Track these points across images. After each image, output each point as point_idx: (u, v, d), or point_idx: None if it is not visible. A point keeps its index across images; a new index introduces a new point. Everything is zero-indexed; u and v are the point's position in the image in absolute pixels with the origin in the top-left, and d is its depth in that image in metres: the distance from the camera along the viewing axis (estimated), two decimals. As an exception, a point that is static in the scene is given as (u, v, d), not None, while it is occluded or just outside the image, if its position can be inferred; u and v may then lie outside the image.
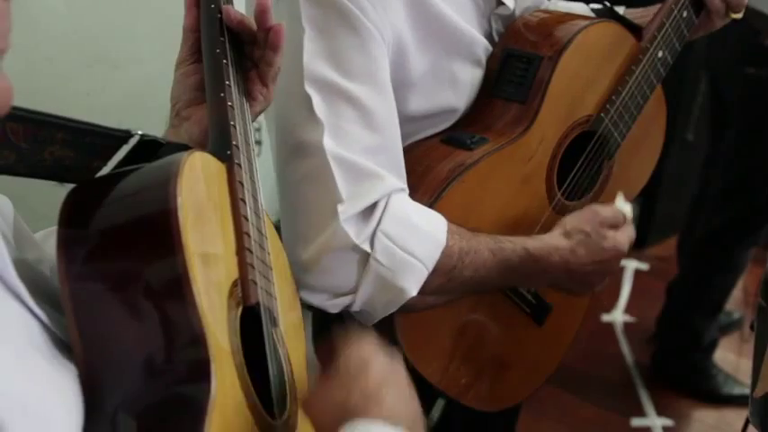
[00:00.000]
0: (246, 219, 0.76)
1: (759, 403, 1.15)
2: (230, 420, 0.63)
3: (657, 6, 1.29)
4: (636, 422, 2.38)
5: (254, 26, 0.89)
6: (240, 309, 0.72)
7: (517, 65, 1.17)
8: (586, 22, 1.21)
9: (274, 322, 0.78)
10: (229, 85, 0.84)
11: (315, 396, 0.74)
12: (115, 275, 0.64)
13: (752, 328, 1.23)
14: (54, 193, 0.72)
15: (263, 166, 0.87)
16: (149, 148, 0.80)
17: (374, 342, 0.75)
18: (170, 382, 0.61)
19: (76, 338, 0.62)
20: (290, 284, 0.93)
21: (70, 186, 0.70)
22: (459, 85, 1.17)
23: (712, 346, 2.56)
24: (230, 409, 0.63)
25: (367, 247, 1.01)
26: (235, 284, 0.72)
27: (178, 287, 0.63)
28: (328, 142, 1.00)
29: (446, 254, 1.05)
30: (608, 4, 1.28)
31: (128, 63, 1.75)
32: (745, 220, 2.39)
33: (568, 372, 2.46)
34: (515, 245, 1.12)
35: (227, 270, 0.72)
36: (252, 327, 0.74)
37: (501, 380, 1.28)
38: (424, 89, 1.12)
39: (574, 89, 1.20)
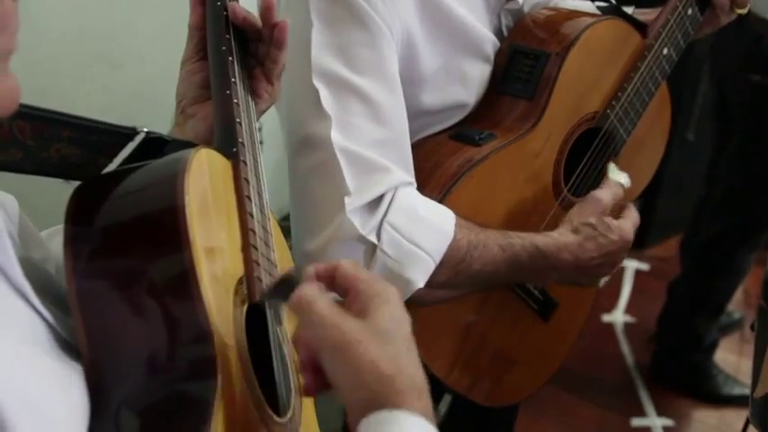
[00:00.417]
0: (252, 216, 0.76)
1: (759, 404, 1.16)
2: (235, 417, 0.62)
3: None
4: (636, 422, 2.38)
5: (259, 23, 0.89)
6: (246, 306, 0.72)
7: (524, 61, 1.18)
8: (593, 20, 1.22)
9: (279, 320, 0.78)
10: (235, 83, 0.84)
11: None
12: (122, 272, 0.64)
13: (752, 328, 1.24)
14: (58, 192, 0.72)
15: (265, 164, 0.87)
16: (155, 146, 0.80)
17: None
18: (176, 379, 0.61)
19: (83, 336, 0.62)
20: None
21: (76, 184, 0.70)
22: (468, 81, 1.18)
23: (713, 346, 2.56)
24: (235, 406, 0.63)
25: (373, 238, 1.01)
26: (240, 282, 0.72)
27: (185, 284, 0.63)
28: (336, 136, 1.00)
29: (454, 247, 1.05)
30: (614, 1, 1.29)
31: (129, 62, 1.75)
32: (747, 224, 2.39)
33: (569, 372, 2.46)
34: (524, 241, 1.12)
35: (232, 267, 0.72)
36: (257, 324, 0.74)
37: (507, 375, 1.29)
38: (434, 84, 1.13)
39: (580, 86, 1.21)
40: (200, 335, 0.61)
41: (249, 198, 0.77)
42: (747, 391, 1.50)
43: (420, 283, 1.04)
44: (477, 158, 1.11)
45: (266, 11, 0.88)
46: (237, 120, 0.82)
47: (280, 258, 0.83)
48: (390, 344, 0.64)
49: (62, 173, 0.75)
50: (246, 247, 0.74)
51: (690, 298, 2.53)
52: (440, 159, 1.13)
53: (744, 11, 1.32)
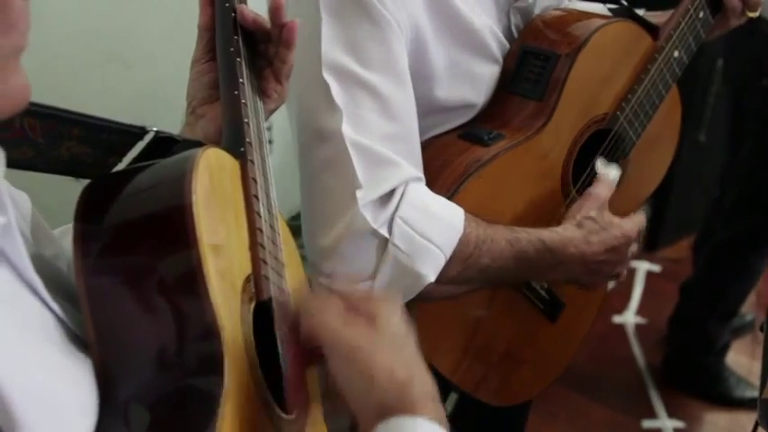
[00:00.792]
0: (259, 215, 0.77)
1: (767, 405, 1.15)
2: (242, 414, 0.63)
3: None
4: (647, 424, 2.38)
5: (268, 25, 0.90)
6: (253, 304, 0.73)
7: (534, 62, 1.19)
8: (604, 21, 1.22)
9: (286, 318, 0.78)
10: (243, 83, 0.85)
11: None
12: (130, 270, 0.65)
13: (761, 329, 1.23)
14: (69, 190, 0.73)
15: (274, 165, 0.87)
16: (164, 145, 0.81)
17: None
18: (184, 375, 0.61)
19: (91, 331, 0.63)
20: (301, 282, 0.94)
21: (86, 182, 0.71)
22: (476, 81, 1.18)
23: (725, 348, 2.55)
24: (242, 402, 0.64)
25: (385, 232, 1.02)
26: (248, 280, 0.73)
27: (192, 282, 0.63)
28: (347, 129, 1.01)
29: (463, 241, 1.06)
30: (625, 3, 1.29)
31: (140, 62, 1.77)
32: (761, 229, 2.39)
33: (579, 373, 2.46)
34: (531, 236, 1.12)
35: (240, 265, 0.73)
36: (264, 322, 0.75)
37: (513, 375, 1.29)
38: (443, 82, 1.13)
39: (590, 87, 1.21)
40: (208, 332, 0.62)
41: (257, 197, 0.78)
42: (759, 394, 1.49)
43: (431, 277, 1.05)
44: (485, 158, 1.12)
45: (275, 11, 0.88)
46: (245, 120, 0.82)
47: (288, 257, 0.84)
48: (403, 350, 0.66)
49: (73, 171, 0.76)
50: (254, 245, 0.75)
51: (702, 300, 2.52)
52: (448, 158, 1.14)
53: (755, 14, 1.32)
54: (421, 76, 1.09)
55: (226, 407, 0.59)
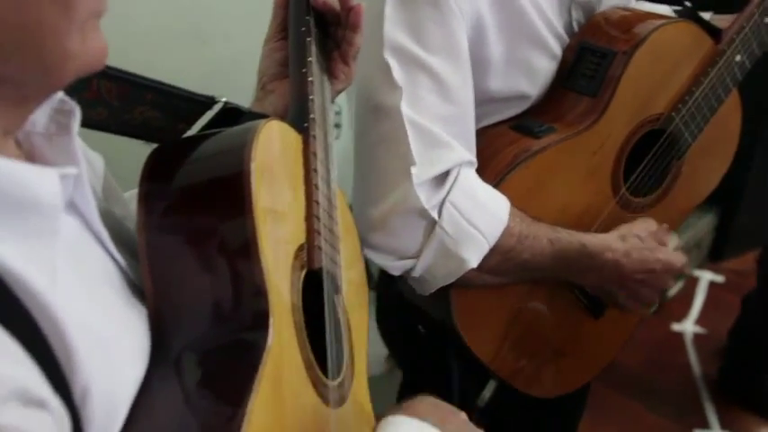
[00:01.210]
0: (317, 188, 0.80)
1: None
2: (283, 370, 0.66)
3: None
4: (698, 434, 2.36)
5: (337, 7, 0.92)
6: (304, 272, 0.76)
7: (591, 59, 1.19)
8: (663, 21, 1.21)
9: (336, 289, 0.81)
10: (311, 62, 0.88)
11: None
12: (189, 229, 0.69)
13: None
14: (141, 156, 0.76)
15: (340, 149, 0.90)
16: (231, 116, 0.84)
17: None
18: (231, 328, 0.65)
19: (149, 284, 0.67)
20: (358, 262, 0.97)
21: (155, 146, 0.75)
22: (533, 74, 1.19)
23: (783, 365, 2.50)
24: (285, 359, 0.67)
25: (435, 214, 1.04)
26: (301, 248, 0.76)
27: (245, 245, 0.66)
28: (405, 107, 1.03)
29: (506, 234, 1.08)
30: (689, 4, 1.28)
31: (217, 39, 1.81)
32: None
33: (634, 378, 2.45)
34: (572, 237, 1.14)
35: (294, 234, 0.76)
36: (316, 292, 0.78)
37: (552, 367, 1.30)
38: (500, 72, 1.15)
39: (646, 86, 1.21)
40: (256, 290, 0.65)
41: (316, 171, 0.81)
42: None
43: (473, 263, 1.07)
44: (534, 149, 1.13)
45: None
46: (311, 97, 0.85)
47: (344, 232, 0.87)
48: None
49: (143, 135, 0.80)
50: (310, 216, 0.78)
51: (764, 314, 2.47)
52: (498, 147, 1.15)
53: None
54: (477, 64, 1.10)
55: (268, 360, 0.62)
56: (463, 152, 1.06)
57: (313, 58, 0.89)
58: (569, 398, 1.35)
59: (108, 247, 0.66)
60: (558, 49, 1.21)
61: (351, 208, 1.01)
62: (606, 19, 1.23)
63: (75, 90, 0.68)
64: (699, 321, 2.84)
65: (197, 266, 0.67)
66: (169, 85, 0.79)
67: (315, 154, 0.82)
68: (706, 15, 1.29)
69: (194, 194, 0.70)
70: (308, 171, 0.80)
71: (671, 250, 1.22)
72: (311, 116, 0.84)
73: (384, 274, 1.14)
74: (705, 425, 2.39)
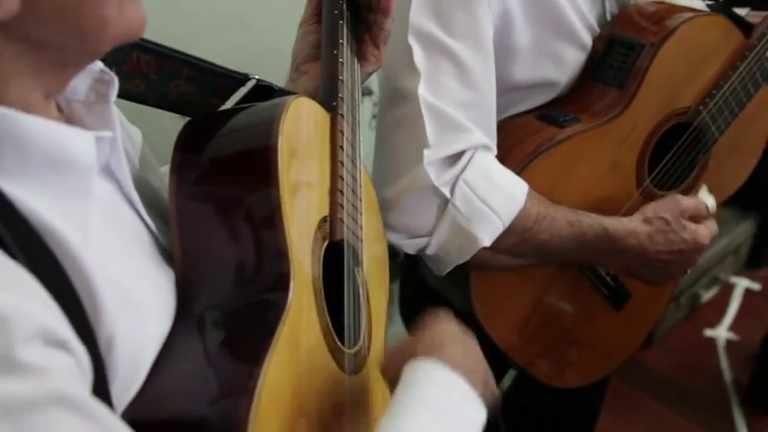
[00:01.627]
0: (342, 164, 0.83)
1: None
2: (301, 333, 0.69)
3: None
4: (726, 440, 2.34)
5: None
6: (326, 243, 0.79)
7: (619, 50, 1.19)
8: (693, 14, 1.21)
9: (357, 262, 0.84)
10: (342, 44, 0.91)
11: (391, 353, 0.79)
12: (218, 197, 0.73)
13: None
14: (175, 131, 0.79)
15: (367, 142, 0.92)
16: (264, 93, 0.88)
17: (453, 320, 0.80)
18: (254, 289, 0.68)
19: (177, 248, 0.70)
20: (381, 239, 0.99)
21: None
22: (562, 63, 1.20)
23: (815, 376, 2.47)
24: (303, 323, 0.70)
25: (446, 192, 1.06)
26: (324, 220, 0.79)
27: (270, 214, 0.70)
28: (423, 91, 1.05)
29: (523, 215, 1.09)
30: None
31: (260, 29, 1.84)
32: None
33: (664, 382, 2.43)
34: (593, 220, 1.14)
35: (318, 207, 0.79)
36: (337, 264, 0.81)
37: (571, 358, 1.30)
38: (526, 60, 1.15)
39: (674, 79, 1.21)
40: (278, 254, 0.68)
41: (342, 148, 0.84)
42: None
43: (486, 241, 1.08)
44: (558, 138, 1.14)
45: None
46: (341, 77, 0.88)
47: (367, 208, 0.90)
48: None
49: (178, 108, 0.83)
50: (334, 190, 0.81)
51: (798, 323, 2.45)
52: (522, 136, 1.16)
53: None
54: (503, 52, 1.11)
55: (286, 320, 0.65)
56: (480, 136, 1.07)
57: (344, 40, 0.92)
58: (589, 389, 1.35)
59: (140, 211, 0.70)
60: (588, 40, 1.21)
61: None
62: (638, 10, 1.23)
63: (114, 62, 0.72)
64: (732, 328, 2.82)
65: (224, 233, 0.70)
66: (205, 61, 0.82)
67: (342, 131, 0.85)
68: (743, 11, 1.29)
69: (224, 165, 0.74)
70: (335, 147, 0.83)
71: (701, 227, 1.20)
72: (340, 96, 0.87)
73: (408, 259, 1.16)
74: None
